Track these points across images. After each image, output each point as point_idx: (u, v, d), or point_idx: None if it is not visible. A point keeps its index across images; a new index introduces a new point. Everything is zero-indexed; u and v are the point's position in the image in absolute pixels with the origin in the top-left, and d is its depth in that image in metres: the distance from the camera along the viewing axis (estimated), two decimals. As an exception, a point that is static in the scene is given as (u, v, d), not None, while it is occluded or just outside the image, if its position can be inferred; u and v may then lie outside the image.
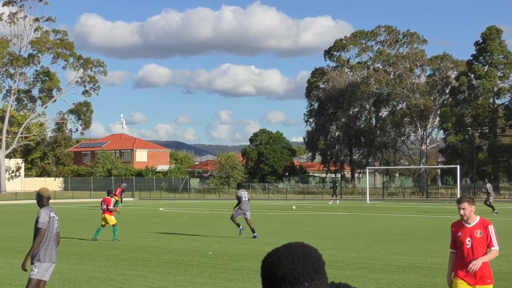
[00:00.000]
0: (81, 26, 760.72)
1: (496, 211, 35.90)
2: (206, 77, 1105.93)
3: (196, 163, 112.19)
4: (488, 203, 37.09)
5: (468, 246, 7.37)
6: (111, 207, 22.20)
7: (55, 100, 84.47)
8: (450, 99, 73.16)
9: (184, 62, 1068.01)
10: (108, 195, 23.07)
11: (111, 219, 21.90)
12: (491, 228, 7.43)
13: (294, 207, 42.44)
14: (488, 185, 39.70)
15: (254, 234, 21.74)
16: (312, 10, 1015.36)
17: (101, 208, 22.39)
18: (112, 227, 21.80)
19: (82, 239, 21.91)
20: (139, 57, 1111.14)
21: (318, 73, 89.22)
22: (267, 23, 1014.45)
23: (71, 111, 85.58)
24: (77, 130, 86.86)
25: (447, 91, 76.61)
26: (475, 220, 7.45)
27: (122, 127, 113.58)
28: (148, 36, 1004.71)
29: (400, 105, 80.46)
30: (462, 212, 7.41)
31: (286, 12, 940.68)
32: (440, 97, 78.14)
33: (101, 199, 23.41)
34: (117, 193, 43.34)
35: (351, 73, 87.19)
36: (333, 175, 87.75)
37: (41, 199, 9.46)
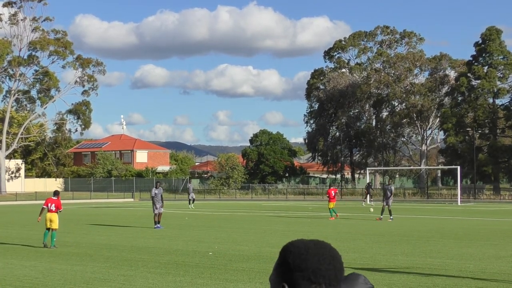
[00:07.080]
0: (76, 27, 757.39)
1: (381, 218, 32.13)
2: (203, 78, 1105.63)
3: (196, 163, 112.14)
4: (387, 206, 31.91)
5: None
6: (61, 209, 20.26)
7: (54, 100, 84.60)
8: (450, 100, 73.15)
9: (181, 63, 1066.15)
10: (55, 196, 20.23)
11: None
12: None
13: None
14: (392, 187, 33.20)
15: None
16: (308, 11, 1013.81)
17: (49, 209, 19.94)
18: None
19: (82, 240, 21.88)
20: (136, 58, 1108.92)
21: (317, 74, 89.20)
22: (264, 24, 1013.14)
23: (70, 111, 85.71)
24: (76, 130, 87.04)
25: (446, 91, 76.51)
26: None
27: (122, 128, 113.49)
28: (145, 36, 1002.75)
29: (399, 106, 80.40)
30: None
31: (283, 13, 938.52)
32: (439, 98, 78.05)
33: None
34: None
35: (351, 74, 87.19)
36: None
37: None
